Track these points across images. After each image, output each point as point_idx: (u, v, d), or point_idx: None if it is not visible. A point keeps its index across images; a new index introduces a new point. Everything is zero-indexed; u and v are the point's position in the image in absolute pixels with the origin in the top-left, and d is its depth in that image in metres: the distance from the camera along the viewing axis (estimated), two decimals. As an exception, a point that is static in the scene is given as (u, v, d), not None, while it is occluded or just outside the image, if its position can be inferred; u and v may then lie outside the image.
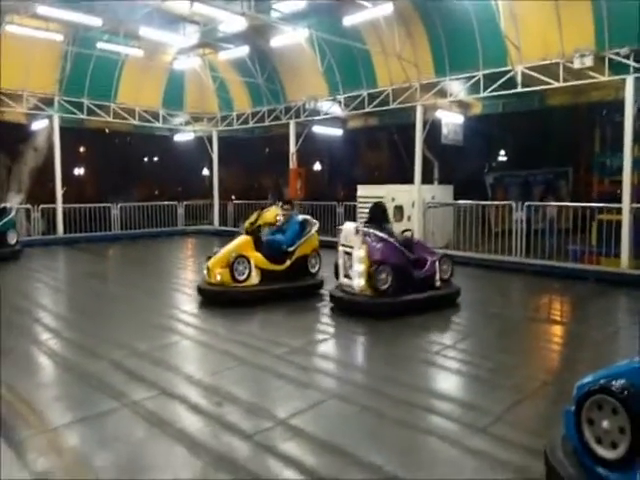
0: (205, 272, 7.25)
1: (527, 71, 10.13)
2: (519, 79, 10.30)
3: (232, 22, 11.25)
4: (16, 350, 5.16)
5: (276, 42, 11.86)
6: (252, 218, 12.16)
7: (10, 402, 3.81)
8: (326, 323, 6.53)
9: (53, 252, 13.10)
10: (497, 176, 18.82)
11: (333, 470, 2.98)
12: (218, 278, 7.03)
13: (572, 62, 9.22)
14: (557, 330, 6.54)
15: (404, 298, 6.46)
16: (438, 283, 6.83)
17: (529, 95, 11.00)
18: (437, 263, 6.84)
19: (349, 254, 6.52)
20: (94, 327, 6.22)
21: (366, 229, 6.56)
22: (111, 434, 3.40)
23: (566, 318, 7.23)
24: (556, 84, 9.86)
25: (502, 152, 21.84)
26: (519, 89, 10.38)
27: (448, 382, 4.52)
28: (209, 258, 7.29)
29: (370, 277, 6.26)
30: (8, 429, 3.36)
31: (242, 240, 7.42)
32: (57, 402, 3.98)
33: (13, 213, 12.01)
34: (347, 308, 6.55)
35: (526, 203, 10.35)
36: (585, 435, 2.50)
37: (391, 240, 6.58)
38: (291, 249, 7.50)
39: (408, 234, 7.30)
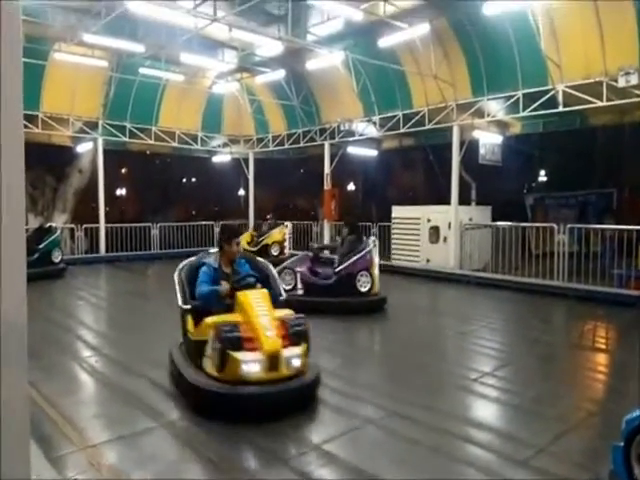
0: (256, 363, 3.91)
1: (568, 90, 9.92)
2: (560, 98, 10.09)
3: (269, 47, 11.54)
4: (59, 367, 5.31)
5: (312, 65, 12.07)
6: (246, 237, 12.71)
7: (53, 419, 3.91)
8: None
9: (95, 270, 13.50)
10: (537, 197, 18.45)
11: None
12: (296, 364, 4.09)
13: (616, 80, 8.97)
14: (602, 358, 6.27)
15: None
16: None
17: (571, 114, 10.78)
18: None
19: None
20: (133, 345, 6.35)
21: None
22: (148, 453, 3.43)
23: (611, 346, 6.91)
24: (599, 103, 9.62)
25: (542, 172, 21.40)
26: (560, 109, 10.17)
27: (487, 411, 4.37)
28: (236, 342, 3.94)
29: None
30: (50, 445, 3.44)
31: (267, 294, 4.44)
32: (97, 419, 4.05)
33: (58, 232, 12.45)
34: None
35: (568, 225, 10.06)
36: (635, 473, 2.38)
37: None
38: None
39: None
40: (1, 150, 2.02)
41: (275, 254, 13.94)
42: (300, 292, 7.98)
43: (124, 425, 3.84)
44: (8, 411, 2.08)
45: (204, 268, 4.63)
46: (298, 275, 8.05)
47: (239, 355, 3.89)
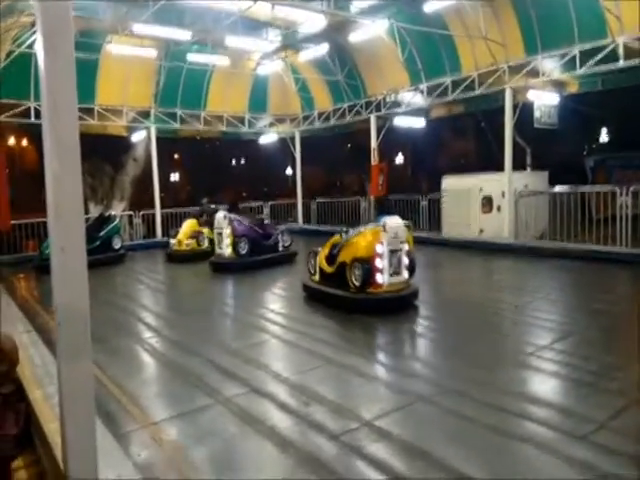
0: None
1: (630, 43, 9.23)
2: (621, 52, 9.41)
3: (312, 22, 11.37)
4: (122, 349, 5.61)
5: (355, 37, 11.78)
6: (191, 226, 13.62)
7: (118, 398, 4.15)
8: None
9: (153, 255, 13.98)
10: (598, 159, 17.43)
11: (420, 475, 2.93)
12: None
13: (683, 29, 8.27)
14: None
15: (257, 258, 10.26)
16: (281, 248, 11.01)
17: (632, 69, 10.00)
18: (279, 235, 10.98)
19: (220, 234, 10.11)
20: (190, 326, 6.58)
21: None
22: (206, 429, 3.58)
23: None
24: (666, 55, 8.90)
25: (603, 133, 20.15)
26: (621, 63, 9.49)
27: (544, 386, 4.24)
28: None
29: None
30: (116, 422, 3.66)
31: None
32: (158, 398, 4.27)
33: (117, 220, 13.02)
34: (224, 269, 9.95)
35: (632, 187, 9.47)
36: None
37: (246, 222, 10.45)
38: None
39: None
40: (59, 148, 2.11)
41: None
42: None
43: (184, 403, 4.02)
44: (75, 390, 2.22)
45: None
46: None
47: None
